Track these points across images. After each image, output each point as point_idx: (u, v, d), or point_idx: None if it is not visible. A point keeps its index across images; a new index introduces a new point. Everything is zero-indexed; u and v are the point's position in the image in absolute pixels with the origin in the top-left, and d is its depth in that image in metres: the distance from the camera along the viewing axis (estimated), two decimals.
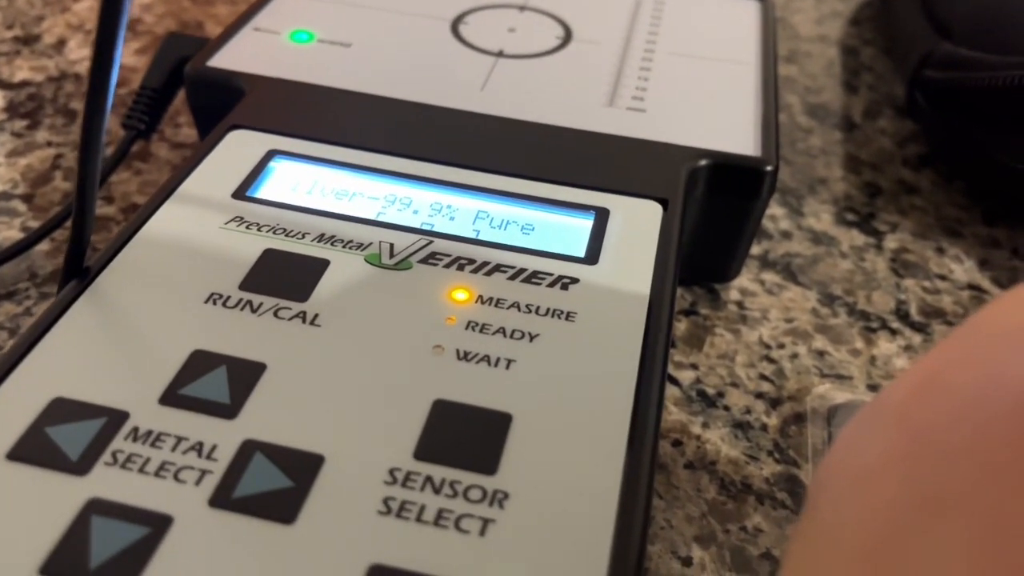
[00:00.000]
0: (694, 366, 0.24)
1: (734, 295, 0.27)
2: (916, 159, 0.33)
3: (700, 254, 0.25)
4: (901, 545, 0.09)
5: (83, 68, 0.34)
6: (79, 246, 0.18)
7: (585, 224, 0.21)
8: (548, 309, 0.19)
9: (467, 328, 0.18)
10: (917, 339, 0.26)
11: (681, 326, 0.26)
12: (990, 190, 0.30)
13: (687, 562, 0.20)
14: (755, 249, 0.28)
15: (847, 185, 0.31)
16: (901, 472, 0.10)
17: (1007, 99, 0.26)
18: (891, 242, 0.29)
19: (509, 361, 0.18)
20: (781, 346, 0.25)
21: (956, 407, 0.10)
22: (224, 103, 0.24)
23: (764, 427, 0.23)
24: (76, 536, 0.14)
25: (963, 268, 0.28)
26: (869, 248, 0.29)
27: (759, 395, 0.24)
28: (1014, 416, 0.09)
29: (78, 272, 0.19)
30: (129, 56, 0.35)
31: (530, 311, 0.19)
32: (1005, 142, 0.27)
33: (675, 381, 0.24)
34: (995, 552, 0.08)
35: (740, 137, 0.24)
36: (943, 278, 0.28)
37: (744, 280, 0.27)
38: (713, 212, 0.24)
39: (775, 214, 0.30)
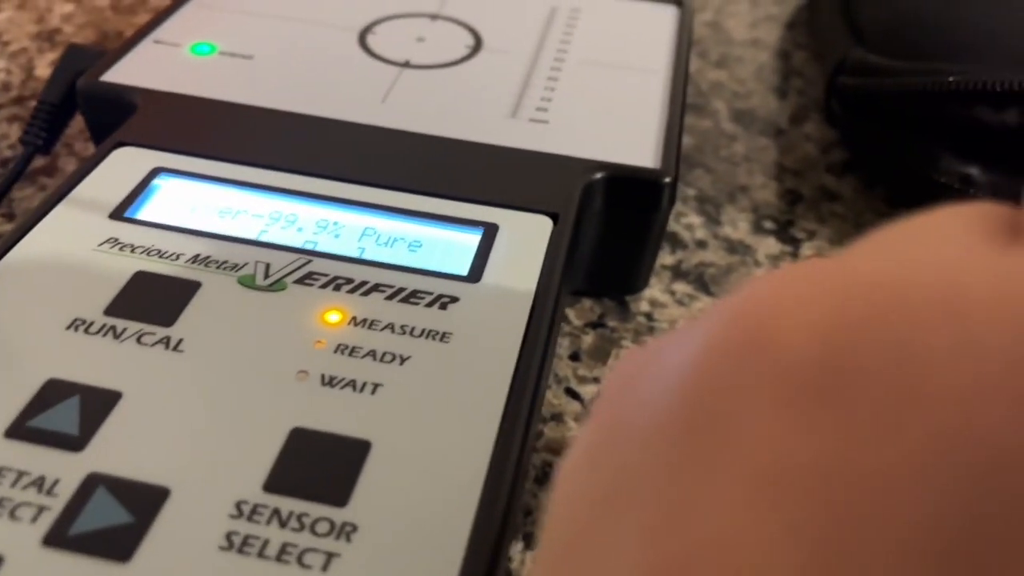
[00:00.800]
0: (597, 380, 0.24)
1: (644, 307, 0.26)
2: (839, 165, 0.33)
3: (604, 267, 0.25)
4: (584, 539, 0.10)
5: None
6: None
7: (472, 240, 0.21)
8: (423, 330, 0.18)
9: (336, 352, 0.18)
10: None
11: (588, 339, 0.25)
12: (910, 197, 0.30)
13: None
14: (668, 259, 0.28)
15: (768, 192, 0.31)
16: (591, 466, 0.10)
17: (915, 105, 0.26)
18: (807, 250, 0.29)
19: (376, 386, 0.17)
20: None
21: (639, 402, 0.10)
22: (119, 119, 0.24)
23: None
24: None
25: None
26: (785, 256, 0.29)
27: None
28: (676, 409, 0.09)
29: None
30: (45, 67, 0.34)
31: (404, 332, 0.18)
32: (916, 148, 0.27)
33: (577, 396, 0.24)
34: (663, 540, 0.09)
35: (639, 149, 0.24)
36: None
37: (655, 291, 0.27)
38: (613, 225, 0.24)
39: (692, 223, 0.30)
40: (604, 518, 0.09)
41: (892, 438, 0.08)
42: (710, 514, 0.08)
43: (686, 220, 0.30)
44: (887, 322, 0.08)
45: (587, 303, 0.26)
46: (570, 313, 0.26)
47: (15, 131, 0.31)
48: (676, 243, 0.29)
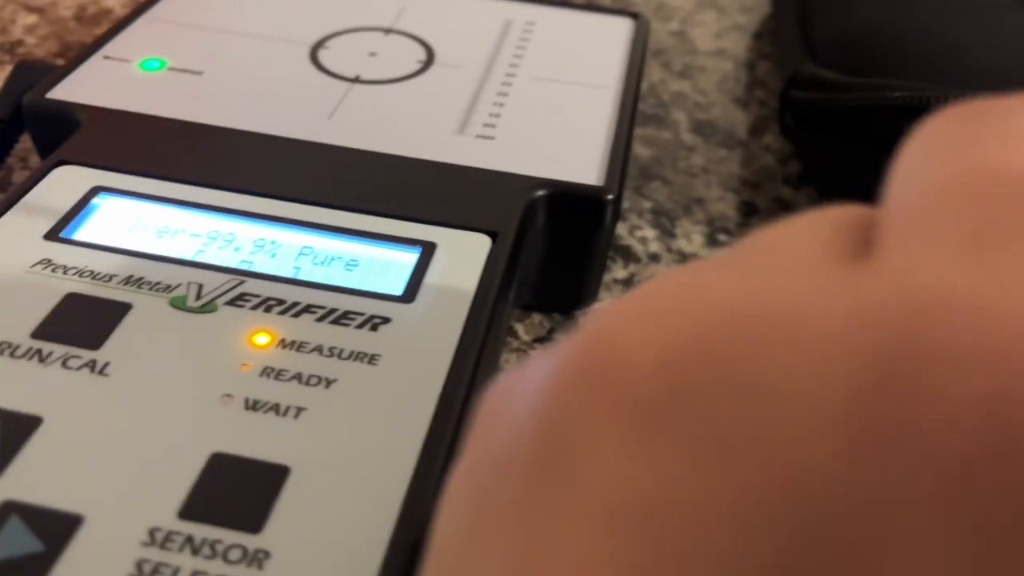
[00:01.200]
0: None
1: None
2: (797, 177, 0.33)
3: (549, 283, 0.25)
4: (454, 570, 0.10)
5: None
6: None
7: (410, 259, 0.21)
8: (351, 352, 0.18)
9: (262, 375, 0.18)
10: None
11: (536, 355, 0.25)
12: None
13: None
14: (621, 273, 0.28)
15: (724, 204, 0.31)
16: (456, 496, 0.10)
17: (864, 120, 0.26)
18: None
19: (299, 410, 0.17)
20: None
21: (497, 423, 0.10)
22: (64, 136, 0.24)
23: None
24: None
25: None
26: None
27: None
28: (525, 439, 0.09)
29: None
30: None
31: (332, 355, 0.18)
32: (866, 162, 0.27)
33: None
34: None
35: (583, 166, 0.24)
36: None
37: (605, 305, 0.27)
38: (557, 241, 0.24)
39: (646, 236, 0.30)
40: (471, 549, 0.09)
41: (720, 469, 0.08)
42: (560, 552, 0.08)
43: (640, 233, 0.30)
44: (724, 347, 0.08)
45: (537, 318, 0.26)
46: (519, 328, 0.26)
47: None
48: (629, 257, 0.29)
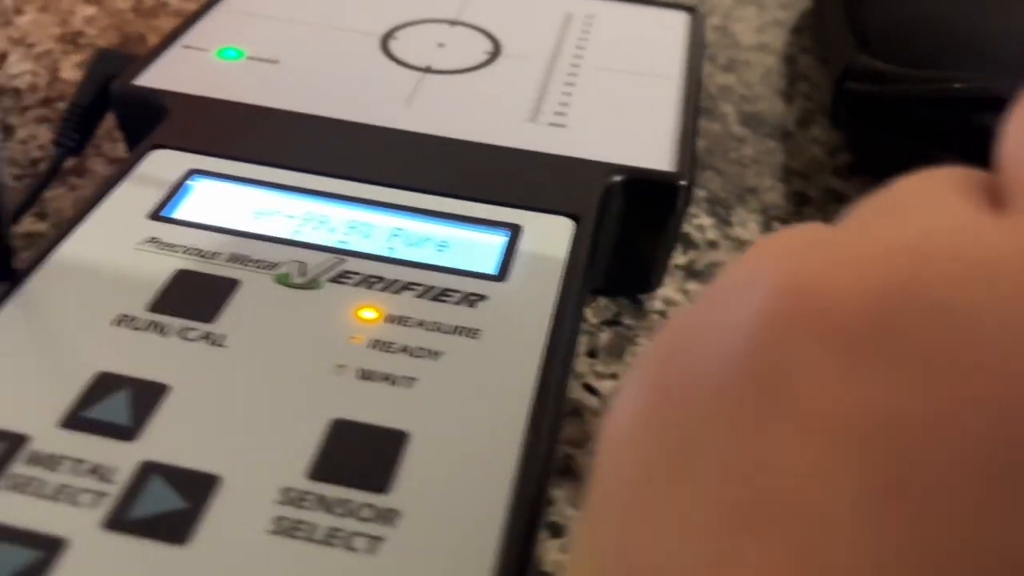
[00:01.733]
0: (614, 376, 0.25)
1: (658, 305, 0.27)
2: (846, 168, 0.33)
3: (621, 266, 0.25)
4: (647, 497, 0.10)
5: (23, 83, 0.34)
6: (3, 245, 0.19)
7: (498, 241, 0.22)
8: (453, 327, 0.19)
9: (372, 347, 0.19)
10: None
11: (604, 336, 0.26)
12: None
13: None
14: (681, 259, 0.29)
15: (776, 194, 0.32)
16: (650, 431, 0.11)
17: (920, 111, 0.27)
18: None
19: (411, 380, 0.18)
20: None
21: (693, 367, 0.11)
22: (151, 121, 0.25)
23: None
24: None
25: None
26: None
27: None
28: (733, 376, 0.10)
29: (6, 275, 0.19)
30: (70, 70, 0.35)
31: (436, 329, 0.19)
32: (922, 154, 0.28)
33: (595, 391, 0.24)
34: (733, 490, 0.09)
35: (656, 152, 0.25)
36: None
37: (668, 290, 0.28)
38: (630, 226, 0.24)
39: (703, 224, 0.30)
40: (668, 475, 0.10)
41: (942, 385, 0.09)
42: (777, 464, 0.09)
43: (697, 221, 0.30)
44: (923, 283, 0.09)
45: (603, 302, 0.27)
46: (587, 311, 0.26)
47: (43, 132, 0.32)
48: (688, 243, 0.29)
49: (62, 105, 0.33)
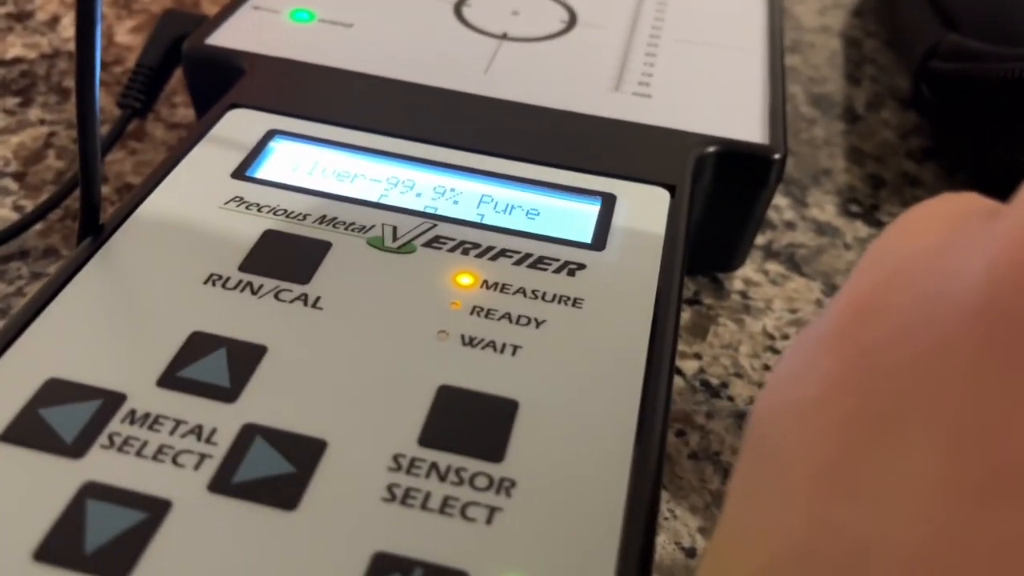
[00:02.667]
0: (698, 356, 0.24)
1: (738, 285, 0.26)
2: (920, 152, 0.33)
3: (705, 242, 0.25)
4: (858, 460, 0.09)
5: None
6: (91, 201, 0.18)
7: (591, 210, 0.21)
8: (555, 295, 0.18)
9: (472, 313, 0.18)
10: None
11: (684, 315, 0.25)
12: (994, 183, 0.30)
13: (691, 553, 0.19)
14: (758, 239, 0.28)
15: (851, 176, 0.31)
16: (849, 394, 0.10)
17: (1015, 91, 0.26)
18: None
19: (515, 347, 0.17)
20: (785, 337, 0.25)
21: (900, 325, 0.10)
22: (222, 82, 0.24)
23: None
24: (71, 520, 0.14)
25: None
26: (873, 240, 0.28)
27: (763, 386, 0.23)
28: (966, 327, 0.09)
29: (94, 229, 0.18)
30: (124, 35, 0.34)
31: (536, 297, 0.18)
32: (1012, 134, 0.27)
33: (678, 371, 0.24)
34: (968, 452, 0.09)
35: (748, 124, 0.24)
36: None
37: (747, 270, 0.27)
38: (719, 200, 0.24)
39: (778, 204, 0.29)
40: (876, 442, 0.09)
41: None
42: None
43: (773, 201, 0.30)
44: None
45: None
46: None
47: (101, 96, 0.31)
48: (765, 224, 0.29)
49: (118, 69, 0.32)
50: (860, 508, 0.09)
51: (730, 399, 0.23)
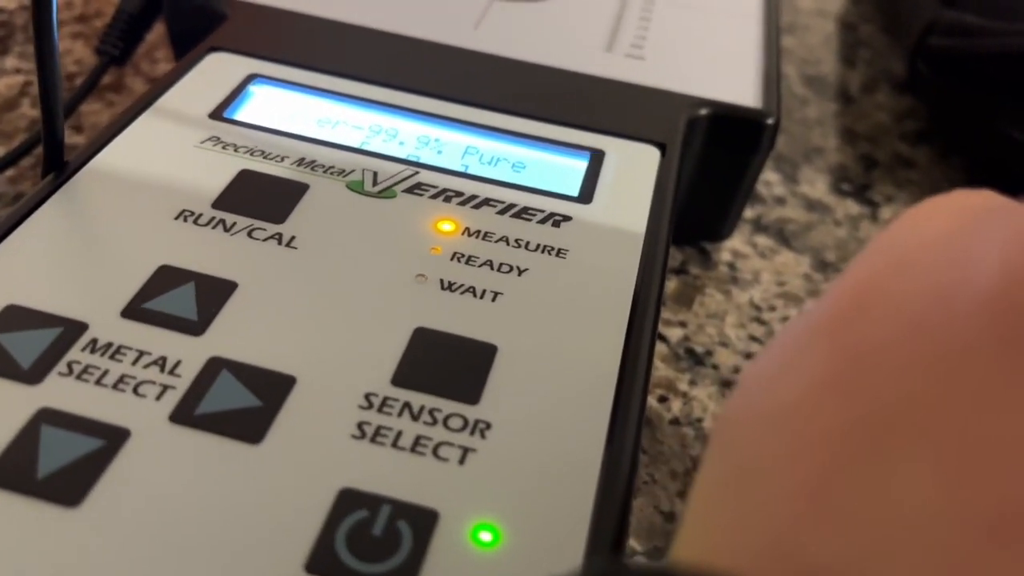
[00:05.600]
0: (683, 324, 0.24)
1: (725, 256, 0.26)
2: (913, 134, 0.32)
3: (694, 209, 0.24)
4: (842, 479, 0.08)
5: None
6: (54, 136, 0.17)
7: (579, 164, 0.20)
8: (539, 245, 0.18)
9: (452, 259, 0.17)
10: None
11: (671, 284, 0.25)
12: (990, 164, 0.30)
13: (670, 517, 0.19)
14: (747, 213, 0.27)
15: (843, 156, 0.31)
16: (836, 398, 0.09)
17: (1013, 66, 0.26)
18: (886, 213, 0.28)
19: (496, 294, 0.17)
20: (772, 308, 0.24)
21: (901, 319, 0.09)
22: (204, 29, 0.23)
23: None
24: (24, 445, 0.13)
25: None
26: (864, 218, 0.28)
27: (748, 355, 0.23)
28: (978, 328, 0.08)
29: (57, 166, 0.18)
30: None
31: (519, 246, 0.18)
32: (1010, 111, 0.26)
33: (663, 338, 0.23)
34: (977, 479, 0.07)
35: (742, 88, 0.23)
36: None
37: (736, 242, 0.26)
38: (710, 165, 0.23)
39: (769, 179, 0.29)
40: (868, 461, 0.08)
41: None
42: None
43: (764, 177, 0.29)
44: None
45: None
46: None
47: (79, 48, 0.30)
48: (754, 198, 0.28)
49: (98, 23, 0.32)
50: (839, 537, 0.08)
51: (714, 367, 0.22)
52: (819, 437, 0.09)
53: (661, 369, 0.22)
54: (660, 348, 0.23)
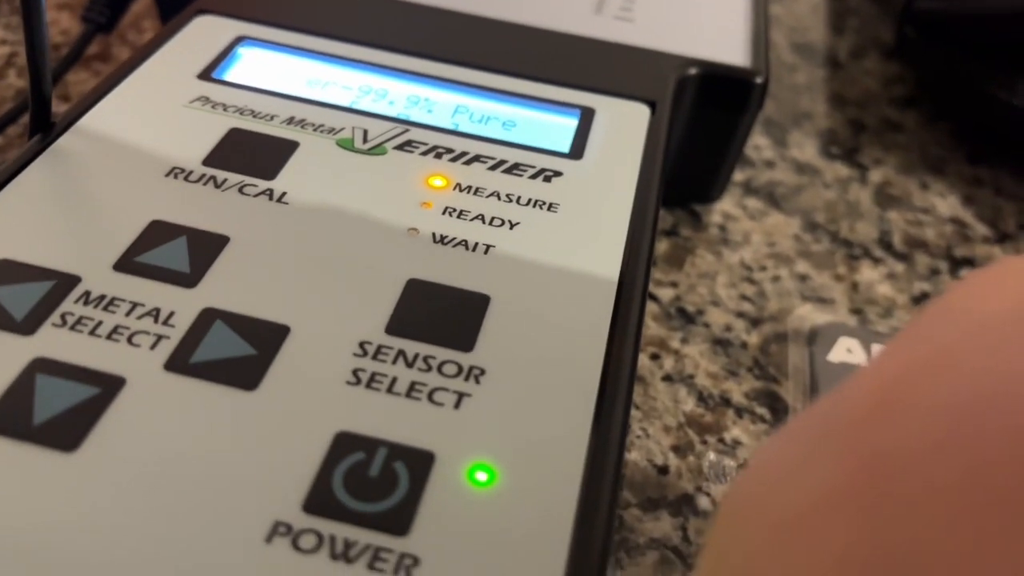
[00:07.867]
0: (674, 284, 0.24)
1: (716, 218, 0.26)
2: (902, 99, 0.32)
3: (684, 170, 0.24)
4: None
5: None
6: (41, 96, 0.17)
7: (570, 122, 0.20)
8: (530, 199, 0.18)
9: (444, 213, 0.17)
10: (900, 267, 0.25)
11: (662, 246, 0.25)
12: (977, 127, 0.30)
13: (663, 470, 0.19)
14: (738, 176, 0.28)
15: (831, 121, 0.31)
16: (854, 516, 0.08)
17: (1000, 27, 0.26)
18: (875, 176, 0.28)
19: (488, 246, 0.17)
20: (763, 268, 0.24)
21: (932, 430, 0.07)
22: None
23: (744, 345, 0.22)
24: (19, 393, 0.13)
25: (947, 203, 0.28)
26: (853, 181, 0.28)
27: (740, 314, 0.23)
28: (1013, 451, 0.07)
29: (44, 126, 0.18)
30: None
31: (511, 200, 0.18)
32: (997, 74, 0.26)
33: (654, 298, 0.23)
34: None
35: (731, 48, 0.23)
36: (927, 211, 0.27)
37: (726, 204, 0.26)
38: (700, 125, 0.23)
39: (758, 143, 0.29)
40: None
41: None
42: None
43: (753, 141, 0.29)
44: None
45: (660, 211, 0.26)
46: None
47: (65, 18, 0.30)
48: (744, 162, 0.28)
49: None
50: None
51: (706, 326, 0.22)
52: (830, 562, 0.08)
53: (653, 328, 0.22)
54: (652, 308, 0.23)
